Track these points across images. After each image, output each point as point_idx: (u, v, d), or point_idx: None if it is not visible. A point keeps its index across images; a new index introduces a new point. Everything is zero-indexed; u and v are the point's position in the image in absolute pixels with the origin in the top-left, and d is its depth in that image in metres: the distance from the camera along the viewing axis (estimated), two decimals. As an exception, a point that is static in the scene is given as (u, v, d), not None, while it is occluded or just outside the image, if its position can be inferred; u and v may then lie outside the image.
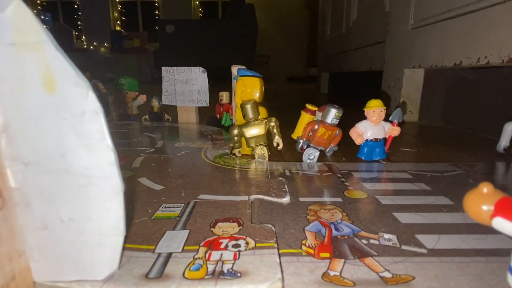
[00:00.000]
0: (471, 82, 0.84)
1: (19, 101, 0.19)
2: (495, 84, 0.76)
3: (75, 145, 0.20)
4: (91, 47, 4.28)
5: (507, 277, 0.17)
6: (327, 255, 0.25)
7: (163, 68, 0.89)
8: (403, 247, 0.27)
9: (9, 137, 0.20)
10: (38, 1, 4.37)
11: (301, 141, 0.54)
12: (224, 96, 0.84)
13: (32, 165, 0.20)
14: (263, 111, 0.54)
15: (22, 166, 0.20)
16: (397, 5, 1.05)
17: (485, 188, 0.16)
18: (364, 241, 0.28)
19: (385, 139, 0.54)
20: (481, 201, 0.16)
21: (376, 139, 0.53)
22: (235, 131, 0.52)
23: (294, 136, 0.59)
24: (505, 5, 0.61)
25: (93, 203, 0.21)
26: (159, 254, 0.25)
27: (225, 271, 0.23)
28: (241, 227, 0.30)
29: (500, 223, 0.16)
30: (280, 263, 0.24)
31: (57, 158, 0.20)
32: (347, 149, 0.57)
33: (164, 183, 0.42)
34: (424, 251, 0.26)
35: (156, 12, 4.49)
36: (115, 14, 4.47)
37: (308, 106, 0.58)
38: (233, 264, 0.24)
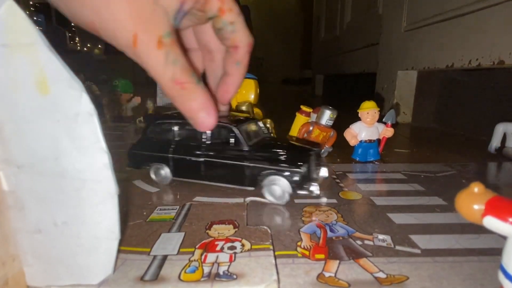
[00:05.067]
0: (463, 84, 0.85)
1: (12, 103, 0.19)
2: (486, 86, 0.78)
3: (69, 148, 0.20)
4: (85, 49, 4.24)
5: (498, 276, 0.17)
6: (322, 256, 0.25)
7: (157, 70, 0.88)
8: (397, 247, 0.27)
9: (2, 140, 0.20)
10: (31, 2, 4.33)
11: (296, 142, 0.54)
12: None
13: (26, 168, 0.20)
14: (258, 113, 0.54)
15: (15, 169, 0.20)
16: (390, 8, 1.07)
17: (476, 187, 0.17)
18: (359, 242, 0.28)
19: (379, 140, 0.54)
20: (472, 201, 0.16)
21: (370, 140, 0.53)
22: (230, 133, 0.52)
23: (289, 137, 0.59)
24: (495, 8, 0.62)
25: (87, 207, 0.21)
26: (155, 257, 0.25)
27: (221, 273, 0.23)
28: (236, 229, 0.30)
29: (490, 222, 0.16)
30: (276, 264, 0.24)
31: (51, 161, 0.20)
32: (342, 150, 0.58)
33: (159, 185, 0.42)
34: (418, 251, 0.26)
35: (151, 13, 4.47)
36: (109, 16, 4.44)
37: (303, 107, 0.58)
38: (229, 266, 0.24)
